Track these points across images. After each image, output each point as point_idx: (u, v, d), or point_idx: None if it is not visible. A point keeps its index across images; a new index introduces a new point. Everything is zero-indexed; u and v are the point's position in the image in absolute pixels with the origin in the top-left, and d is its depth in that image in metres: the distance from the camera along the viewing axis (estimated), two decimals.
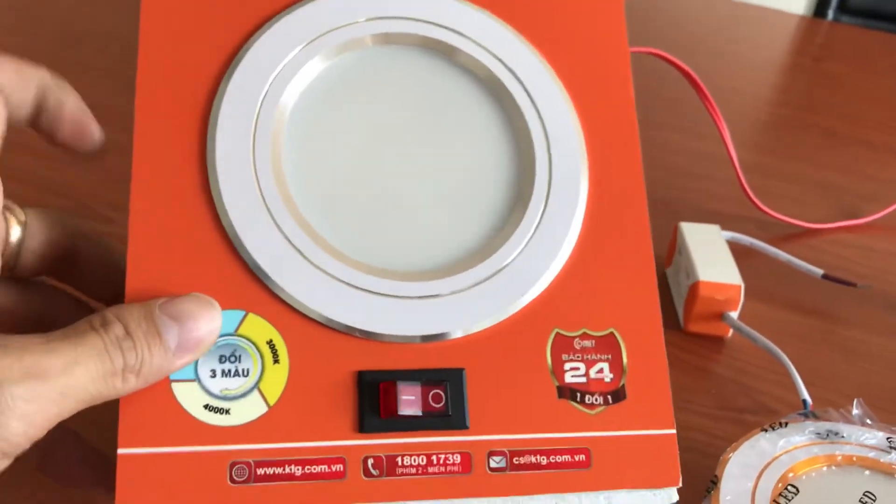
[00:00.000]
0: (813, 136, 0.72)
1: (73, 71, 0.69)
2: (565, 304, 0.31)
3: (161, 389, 0.28)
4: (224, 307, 0.28)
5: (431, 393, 0.29)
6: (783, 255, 0.53)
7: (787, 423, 0.37)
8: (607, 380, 0.31)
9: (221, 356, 0.28)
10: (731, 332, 0.47)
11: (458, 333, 0.30)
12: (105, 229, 0.48)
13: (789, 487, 0.34)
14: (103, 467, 0.31)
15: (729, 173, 0.57)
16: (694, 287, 0.46)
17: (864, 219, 0.59)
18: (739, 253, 0.53)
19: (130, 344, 0.25)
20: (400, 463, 0.29)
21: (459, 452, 0.29)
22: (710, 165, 0.64)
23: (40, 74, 0.29)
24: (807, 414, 0.38)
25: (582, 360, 0.31)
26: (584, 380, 0.31)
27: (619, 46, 0.35)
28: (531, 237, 0.31)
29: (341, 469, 0.28)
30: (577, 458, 0.30)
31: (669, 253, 0.52)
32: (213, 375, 0.28)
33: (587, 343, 0.31)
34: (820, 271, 0.52)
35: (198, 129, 0.29)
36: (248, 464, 0.28)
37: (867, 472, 0.35)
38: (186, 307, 0.27)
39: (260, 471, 0.28)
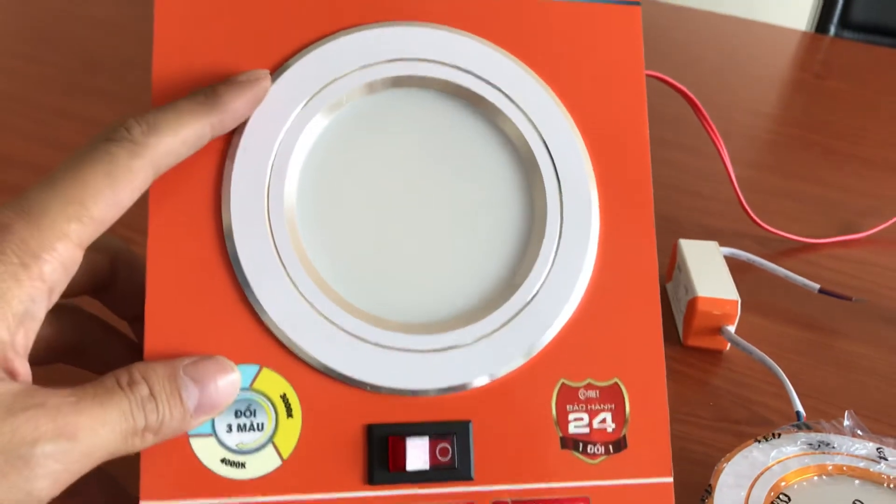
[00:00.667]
0: (812, 153, 0.73)
1: (91, 97, 0.71)
2: (572, 354, 0.32)
3: (180, 444, 0.29)
4: (239, 362, 0.29)
5: (439, 447, 0.30)
6: (780, 270, 0.54)
7: (779, 434, 0.38)
8: (609, 430, 0.32)
9: (237, 411, 0.29)
10: (728, 345, 0.48)
11: (466, 386, 0.31)
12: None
13: (781, 496, 0.35)
14: (123, 499, 0.32)
15: (729, 190, 0.58)
16: (692, 302, 0.48)
17: (860, 234, 0.61)
18: (738, 268, 0.54)
19: (153, 406, 0.26)
20: None
21: (464, 503, 0.30)
22: (710, 183, 0.66)
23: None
24: (799, 425, 0.40)
25: (586, 411, 0.32)
26: (586, 430, 0.32)
27: (636, 87, 0.34)
28: (540, 288, 0.32)
29: None
30: None
31: (670, 269, 0.54)
32: (230, 430, 0.29)
33: (591, 393, 0.32)
34: (816, 286, 0.53)
35: (213, 182, 0.31)
36: None
37: (857, 482, 0.37)
38: (208, 370, 0.28)
39: None
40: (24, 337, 0.26)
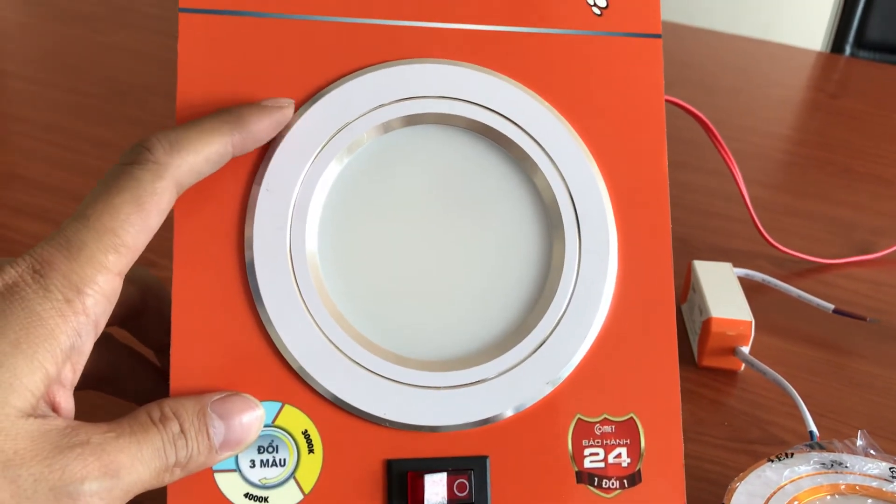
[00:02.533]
0: (827, 174, 0.74)
1: (119, 124, 0.73)
2: (588, 390, 0.32)
3: (205, 479, 0.30)
4: (261, 399, 0.30)
5: (457, 482, 0.31)
6: (795, 290, 0.55)
7: (792, 454, 0.39)
8: (624, 464, 0.32)
9: (260, 447, 0.30)
10: (743, 366, 0.49)
11: (484, 422, 0.32)
12: None
13: None
14: None
15: (743, 211, 0.59)
16: (706, 323, 0.48)
17: (875, 254, 0.61)
18: (752, 289, 0.55)
19: (183, 442, 0.27)
20: None
21: None
22: (725, 204, 0.67)
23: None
24: (812, 445, 0.40)
25: (601, 446, 0.32)
26: (602, 465, 0.32)
27: (656, 122, 0.34)
28: (557, 325, 0.32)
29: None
30: None
31: (684, 290, 0.54)
32: (253, 466, 0.30)
33: (607, 429, 0.32)
34: (831, 306, 0.53)
35: (236, 219, 0.31)
36: None
37: (870, 501, 0.37)
38: (235, 407, 0.29)
39: None
40: (70, 371, 0.27)
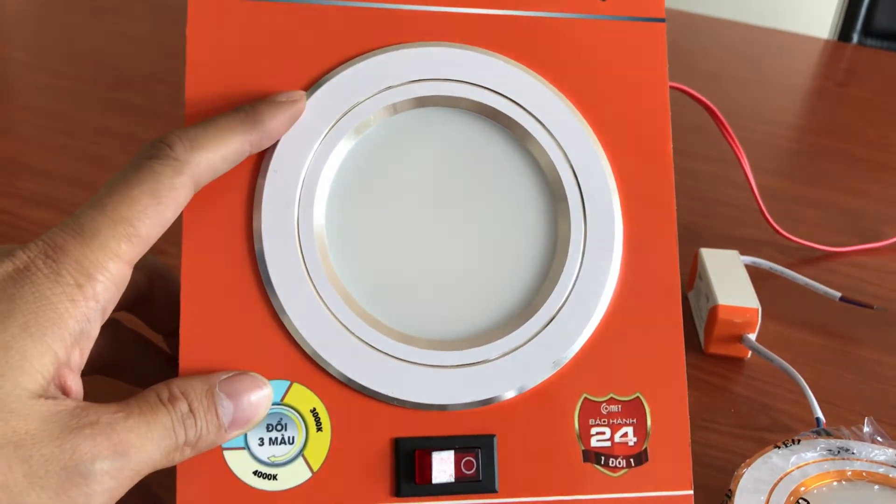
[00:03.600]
0: (835, 162, 0.74)
1: (124, 111, 0.73)
2: (594, 369, 0.33)
3: (214, 457, 0.30)
4: (270, 377, 0.30)
5: (464, 460, 0.31)
6: (801, 278, 0.55)
7: (799, 441, 0.39)
8: (631, 443, 0.33)
9: (269, 425, 0.30)
10: (749, 353, 0.49)
11: (491, 400, 0.32)
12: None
13: (800, 501, 0.36)
14: None
15: (750, 199, 0.59)
16: (713, 311, 0.48)
17: (882, 242, 0.61)
18: (759, 276, 0.55)
19: (192, 421, 0.28)
20: None
21: None
22: (731, 191, 0.66)
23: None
24: (819, 431, 0.40)
25: (608, 425, 0.32)
26: (608, 444, 0.32)
27: (660, 105, 0.35)
28: (564, 304, 0.33)
29: None
30: None
31: (691, 278, 0.54)
32: (262, 444, 0.30)
33: (614, 408, 0.33)
34: (838, 294, 0.53)
35: (244, 201, 0.31)
36: None
37: (876, 488, 0.37)
38: (243, 386, 0.29)
39: None
40: (78, 355, 0.27)
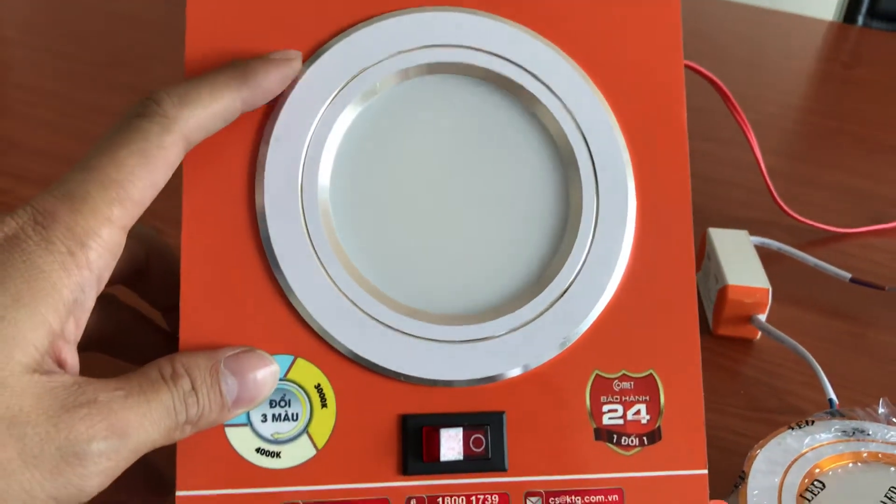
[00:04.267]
0: (842, 143, 0.73)
1: (121, 90, 0.72)
2: (606, 346, 0.31)
3: (216, 434, 0.29)
4: (274, 352, 0.29)
5: (472, 437, 0.30)
6: (811, 259, 0.54)
7: (813, 422, 0.38)
8: (644, 421, 0.31)
9: (272, 401, 0.29)
10: (759, 334, 0.48)
11: (500, 377, 0.31)
12: None
13: (815, 483, 0.35)
14: (156, 482, 0.32)
15: (758, 180, 0.58)
16: (722, 291, 0.47)
17: (892, 223, 0.60)
18: (768, 258, 0.54)
19: (195, 399, 0.27)
20: (441, 503, 0.30)
21: (498, 493, 0.30)
22: (739, 172, 0.65)
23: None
24: (833, 413, 0.39)
25: (620, 402, 0.31)
26: (621, 422, 0.31)
27: (675, 77, 0.33)
28: (575, 278, 0.31)
29: None
30: (610, 499, 0.31)
31: (699, 258, 0.53)
32: (265, 420, 0.29)
33: (626, 385, 0.32)
34: (848, 275, 0.52)
35: (246, 171, 0.30)
36: None
37: (892, 469, 0.36)
38: (250, 364, 0.28)
39: None
40: (74, 326, 0.26)
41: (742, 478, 0.35)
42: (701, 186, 0.63)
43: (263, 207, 0.30)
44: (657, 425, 0.32)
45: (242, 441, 0.29)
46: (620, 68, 0.33)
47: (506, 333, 0.31)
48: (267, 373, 0.29)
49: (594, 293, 0.31)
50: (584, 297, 0.31)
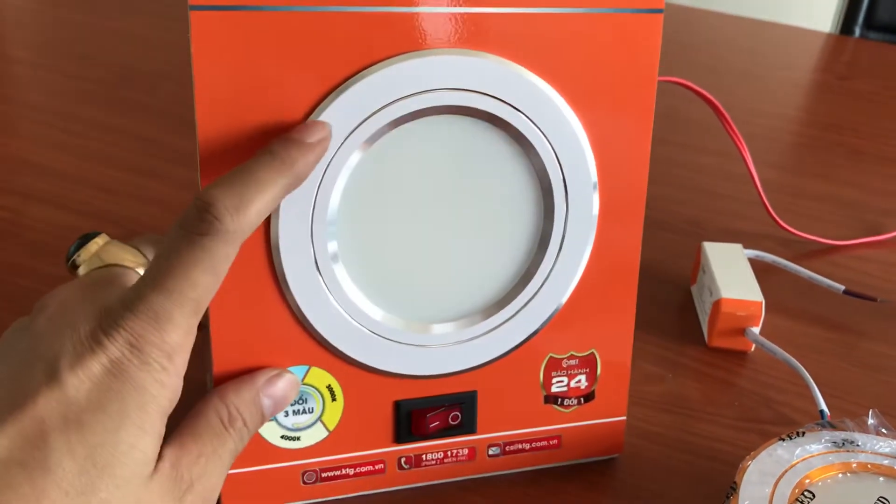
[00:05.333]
0: (837, 155, 0.74)
1: (128, 109, 0.73)
2: (560, 335, 0.38)
3: None
4: (292, 364, 0.35)
5: (451, 414, 0.38)
6: (805, 271, 0.55)
7: (804, 433, 0.39)
8: (583, 387, 0.40)
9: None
10: (753, 346, 0.49)
11: (475, 367, 0.38)
12: None
13: (805, 493, 0.36)
14: None
15: (753, 193, 0.59)
16: (716, 304, 0.48)
17: (885, 235, 0.61)
18: (762, 270, 0.55)
19: (246, 431, 0.32)
20: (424, 458, 0.39)
21: (467, 447, 0.39)
22: (734, 185, 0.66)
23: None
24: (823, 424, 0.40)
25: (566, 375, 0.39)
26: (565, 389, 0.39)
27: (646, 99, 0.36)
28: (539, 290, 0.37)
29: (382, 467, 0.38)
30: (551, 443, 0.40)
31: (694, 271, 0.54)
32: (287, 415, 0.36)
33: (572, 362, 0.39)
34: (841, 287, 0.53)
35: (264, 224, 0.33)
36: (315, 471, 0.37)
37: (881, 479, 0.37)
38: (280, 385, 0.34)
39: (324, 474, 0.38)
40: (163, 426, 0.29)
41: (734, 488, 0.36)
42: (696, 199, 0.64)
43: (278, 242, 0.33)
44: (592, 389, 0.40)
45: (269, 431, 0.36)
46: (595, 90, 0.35)
47: (482, 335, 0.37)
48: (292, 388, 0.34)
49: (553, 302, 0.38)
50: (544, 305, 0.38)
